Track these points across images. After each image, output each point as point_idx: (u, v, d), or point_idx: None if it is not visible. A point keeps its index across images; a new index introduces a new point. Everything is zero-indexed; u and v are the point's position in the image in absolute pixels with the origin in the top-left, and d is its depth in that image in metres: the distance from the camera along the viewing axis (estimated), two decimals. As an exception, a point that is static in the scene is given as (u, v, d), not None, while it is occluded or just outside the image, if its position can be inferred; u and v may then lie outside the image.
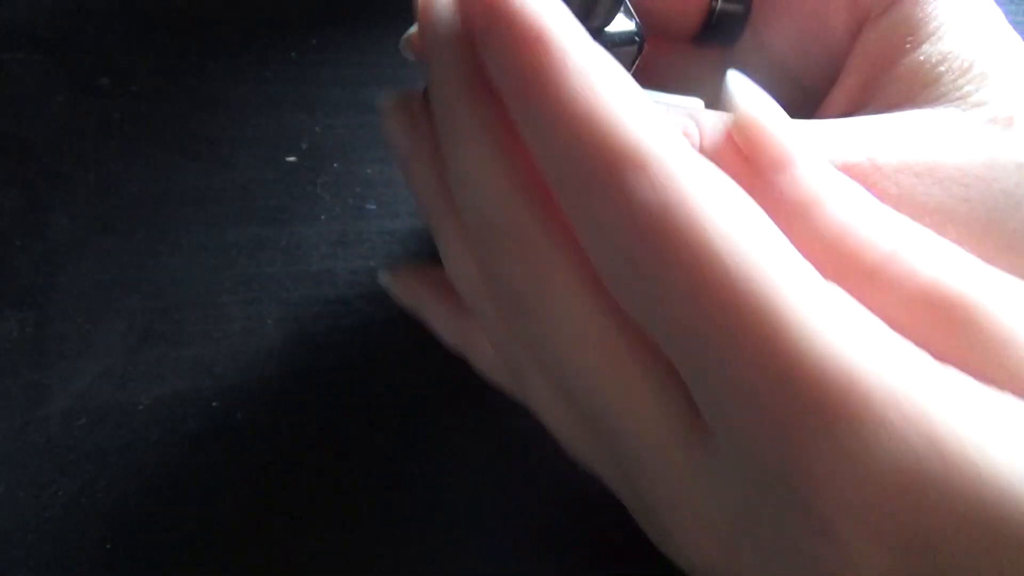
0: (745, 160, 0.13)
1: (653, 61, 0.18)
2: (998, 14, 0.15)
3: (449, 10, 0.14)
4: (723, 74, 0.14)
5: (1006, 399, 0.12)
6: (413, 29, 0.17)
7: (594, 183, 0.12)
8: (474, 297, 0.16)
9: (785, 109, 0.13)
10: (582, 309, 0.13)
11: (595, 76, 0.12)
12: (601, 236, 0.12)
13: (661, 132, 0.12)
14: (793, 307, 0.11)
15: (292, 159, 0.26)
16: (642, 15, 0.17)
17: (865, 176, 0.14)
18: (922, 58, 0.15)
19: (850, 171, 0.14)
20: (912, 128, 0.14)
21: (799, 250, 0.12)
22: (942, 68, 0.15)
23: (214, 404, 0.22)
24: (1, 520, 0.20)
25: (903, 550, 0.11)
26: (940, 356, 0.12)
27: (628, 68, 0.17)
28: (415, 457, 0.22)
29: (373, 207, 0.25)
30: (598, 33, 0.16)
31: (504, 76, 0.13)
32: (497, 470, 0.22)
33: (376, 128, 0.27)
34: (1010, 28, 0.16)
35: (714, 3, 0.19)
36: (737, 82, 0.13)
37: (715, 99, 0.14)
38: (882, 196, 0.14)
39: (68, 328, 0.22)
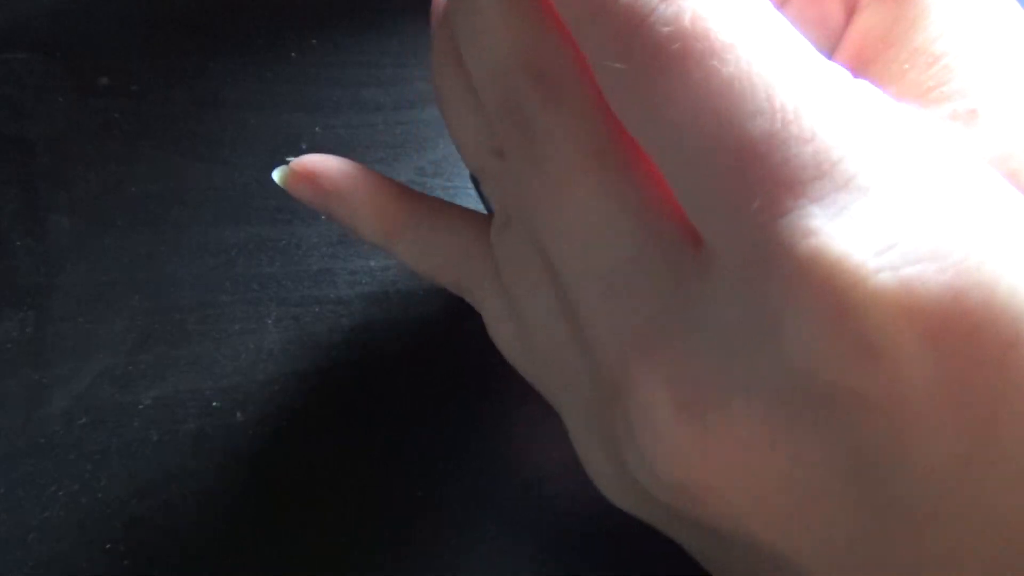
0: None
1: None
2: (995, 1, 0.14)
3: None
4: None
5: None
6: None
7: None
8: (475, 150, 0.16)
9: None
10: (586, 130, 0.13)
11: None
12: (591, 34, 0.12)
13: None
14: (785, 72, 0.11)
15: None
16: None
17: None
18: (893, 54, 0.14)
19: None
20: None
21: None
22: (907, 64, 0.14)
23: (214, 404, 0.22)
24: (1, 520, 0.20)
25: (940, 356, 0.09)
26: None
27: None
28: (415, 457, 0.22)
29: (373, 207, 0.25)
30: None
31: None
32: (497, 470, 0.22)
33: (376, 128, 0.27)
34: (1007, 16, 0.14)
35: None
36: None
37: None
38: None
39: (68, 328, 0.22)
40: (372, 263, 0.25)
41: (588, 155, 0.13)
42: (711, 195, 0.11)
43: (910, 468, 0.10)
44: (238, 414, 0.22)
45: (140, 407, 0.22)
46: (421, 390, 0.23)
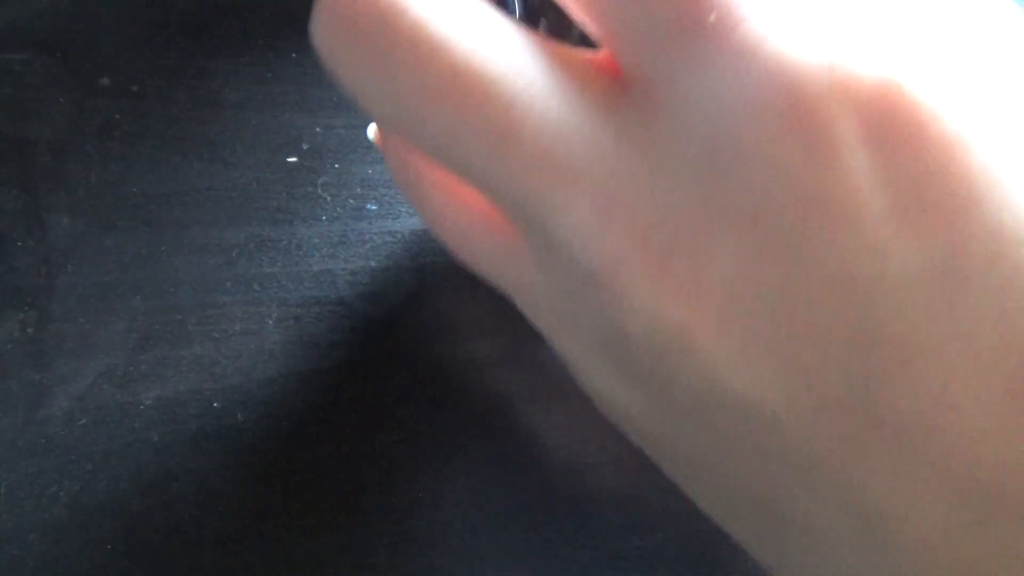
0: None
1: None
2: None
3: None
4: None
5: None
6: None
7: None
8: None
9: None
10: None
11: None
12: None
13: None
14: None
15: (293, 159, 0.26)
16: None
17: None
18: None
19: None
20: None
21: None
22: None
23: (215, 404, 0.22)
24: (2, 520, 0.20)
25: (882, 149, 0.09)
26: None
27: None
28: (415, 457, 0.22)
29: (374, 207, 0.25)
30: None
31: None
32: (496, 469, 0.22)
33: (376, 128, 0.27)
34: None
35: None
36: None
37: None
38: None
39: (69, 328, 0.22)
40: (372, 263, 0.25)
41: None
42: (659, 24, 0.11)
43: (887, 287, 0.10)
44: (239, 414, 0.22)
45: (141, 407, 0.22)
46: (421, 391, 0.23)
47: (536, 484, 0.22)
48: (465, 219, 0.13)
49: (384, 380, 0.23)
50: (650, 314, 0.11)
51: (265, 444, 0.22)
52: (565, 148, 0.11)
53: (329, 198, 0.25)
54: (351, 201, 0.25)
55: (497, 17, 0.12)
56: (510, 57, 0.11)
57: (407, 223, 0.25)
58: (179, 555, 0.20)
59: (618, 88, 0.11)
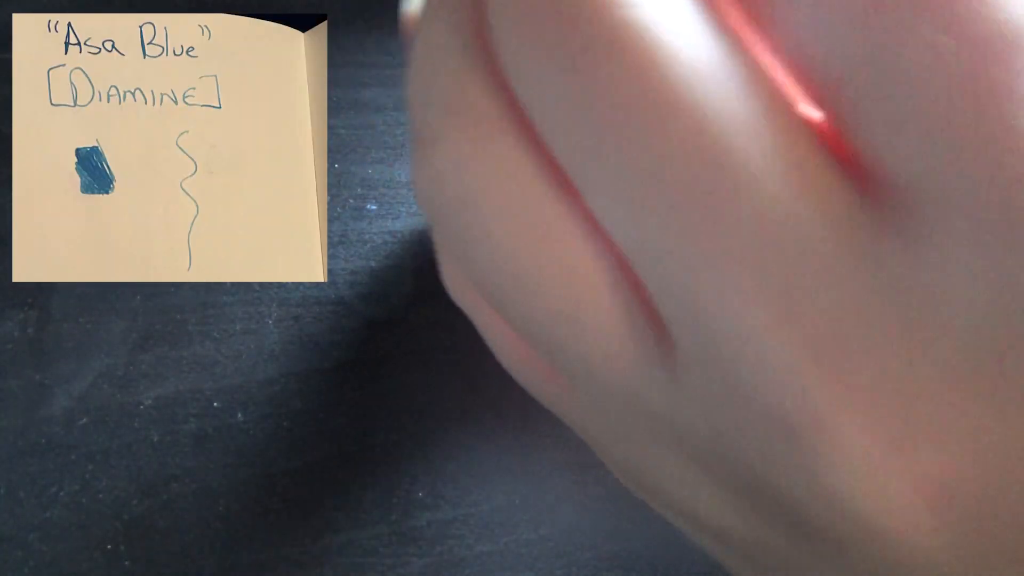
0: None
1: None
2: None
3: None
4: None
5: None
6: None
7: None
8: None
9: None
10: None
11: None
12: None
13: None
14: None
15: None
16: None
17: None
18: None
19: None
20: None
21: None
22: None
23: (215, 404, 0.22)
24: (2, 520, 0.20)
25: None
26: None
27: None
28: (415, 457, 0.22)
29: (374, 207, 0.25)
30: None
31: None
32: (496, 469, 0.22)
33: (376, 129, 0.27)
34: None
35: None
36: None
37: None
38: None
39: (69, 328, 0.22)
40: (372, 263, 0.25)
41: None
42: (926, 120, 0.07)
43: None
44: (239, 414, 0.22)
45: (141, 407, 0.22)
46: (421, 390, 0.23)
47: (536, 484, 0.22)
48: (583, 265, 0.10)
49: (384, 380, 0.23)
50: (854, 503, 0.08)
51: (265, 444, 0.22)
52: (778, 241, 0.08)
53: (329, 198, 0.25)
54: (351, 201, 0.25)
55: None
56: (740, 104, 0.08)
57: (407, 223, 0.25)
58: (179, 555, 0.20)
59: (863, 191, 0.08)
